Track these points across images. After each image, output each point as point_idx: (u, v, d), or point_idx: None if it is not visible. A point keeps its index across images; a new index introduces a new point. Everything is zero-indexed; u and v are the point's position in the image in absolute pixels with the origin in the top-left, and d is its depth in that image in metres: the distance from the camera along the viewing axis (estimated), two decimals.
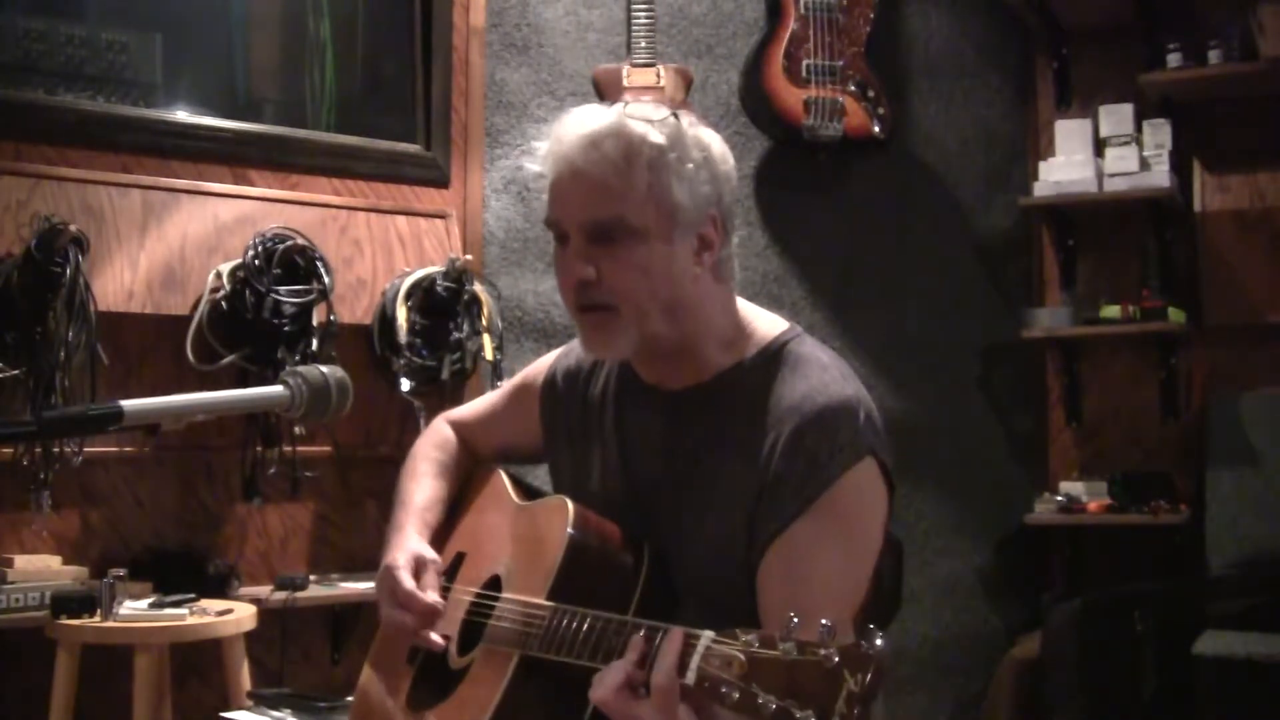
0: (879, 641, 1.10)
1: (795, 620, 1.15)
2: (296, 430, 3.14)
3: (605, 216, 1.49)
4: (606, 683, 1.30)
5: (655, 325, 1.53)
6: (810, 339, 1.62)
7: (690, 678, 1.20)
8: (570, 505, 1.56)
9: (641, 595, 1.49)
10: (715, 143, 1.57)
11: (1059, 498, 4.09)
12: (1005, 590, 4.18)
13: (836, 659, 1.10)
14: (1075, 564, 4.16)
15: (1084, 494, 4.08)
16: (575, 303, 1.55)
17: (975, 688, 3.98)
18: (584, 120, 1.53)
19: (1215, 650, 3.46)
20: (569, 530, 1.52)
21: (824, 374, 1.54)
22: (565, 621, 1.44)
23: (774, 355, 1.57)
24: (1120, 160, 4.04)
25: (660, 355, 1.59)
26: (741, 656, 1.15)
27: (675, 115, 1.53)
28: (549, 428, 1.77)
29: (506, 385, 1.90)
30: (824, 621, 1.12)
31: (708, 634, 1.21)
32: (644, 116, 1.51)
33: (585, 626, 1.41)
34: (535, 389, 1.80)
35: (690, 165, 1.51)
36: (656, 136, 1.50)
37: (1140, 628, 3.59)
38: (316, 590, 3.15)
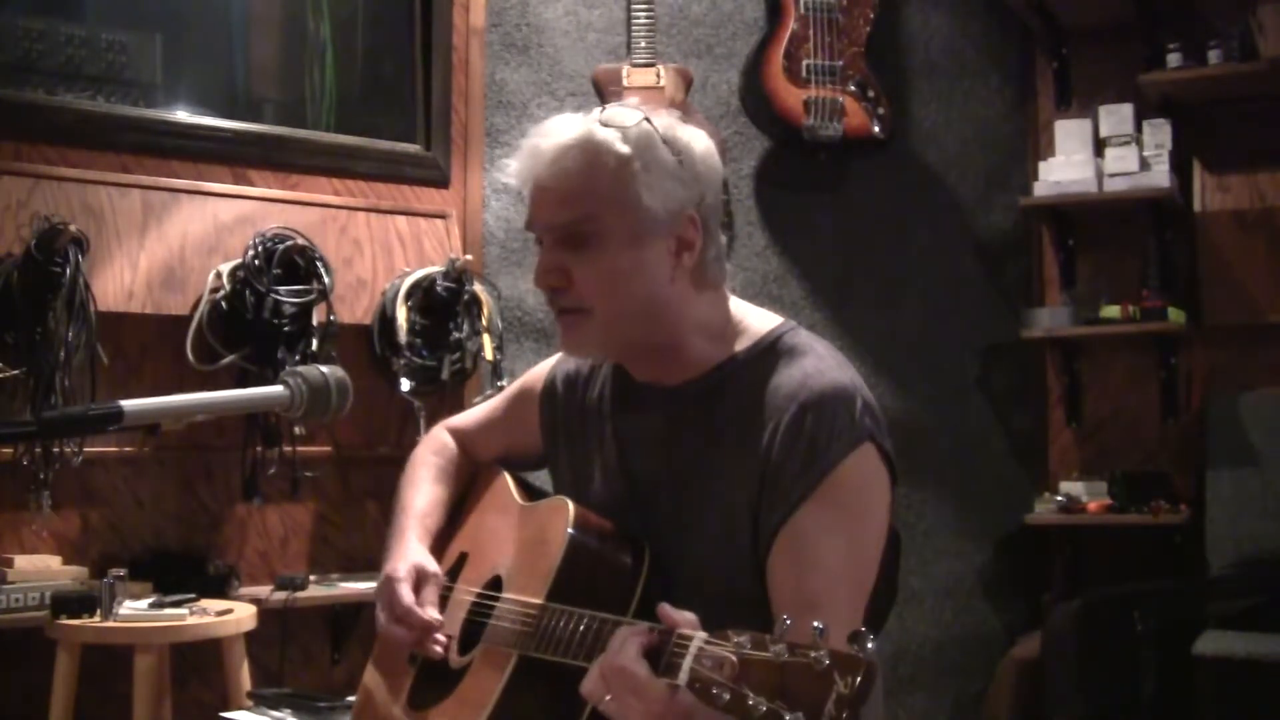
0: (870, 645, 1.11)
1: (788, 621, 1.15)
2: (296, 430, 3.14)
3: (570, 219, 1.51)
4: (592, 675, 1.31)
5: (629, 327, 1.54)
6: (805, 331, 1.62)
7: (683, 679, 1.20)
8: (570, 505, 1.57)
9: (642, 595, 1.49)
10: (697, 141, 1.57)
11: (1059, 498, 4.09)
12: (1005, 590, 4.18)
13: (827, 661, 1.10)
14: (1075, 564, 4.15)
15: (1084, 494, 4.08)
16: (550, 306, 1.58)
17: (975, 688, 3.98)
18: (551, 133, 1.54)
19: (1215, 650, 3.46)
20: (569, 530, 1.53)
21: (820, 362, 1.55)
22: (562, 621, 1.45)
23: (769, 347, 1.58)
24: (1120, 160, 4.04)
25: (645, 355, 1.60)
26: (733, 658, 1.15)
27: (649, 120, 1.53)
28: (549, 432, 1.77)
29: (505, 392, 1.90)
30: (816, 623, 1.12)
31: (700, 635, 1.21)
32: (615, 123, 1.52)
33: (581, 626, 1.42)
34: (534, 395, 1.80)
35: (658, 171, 1.51)
36: (622, 146, 1.50)
37: (1140, 628, 3.58)
38: (316, 590, 3.15)
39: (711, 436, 1.56)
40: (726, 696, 1.14)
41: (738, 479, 1.51)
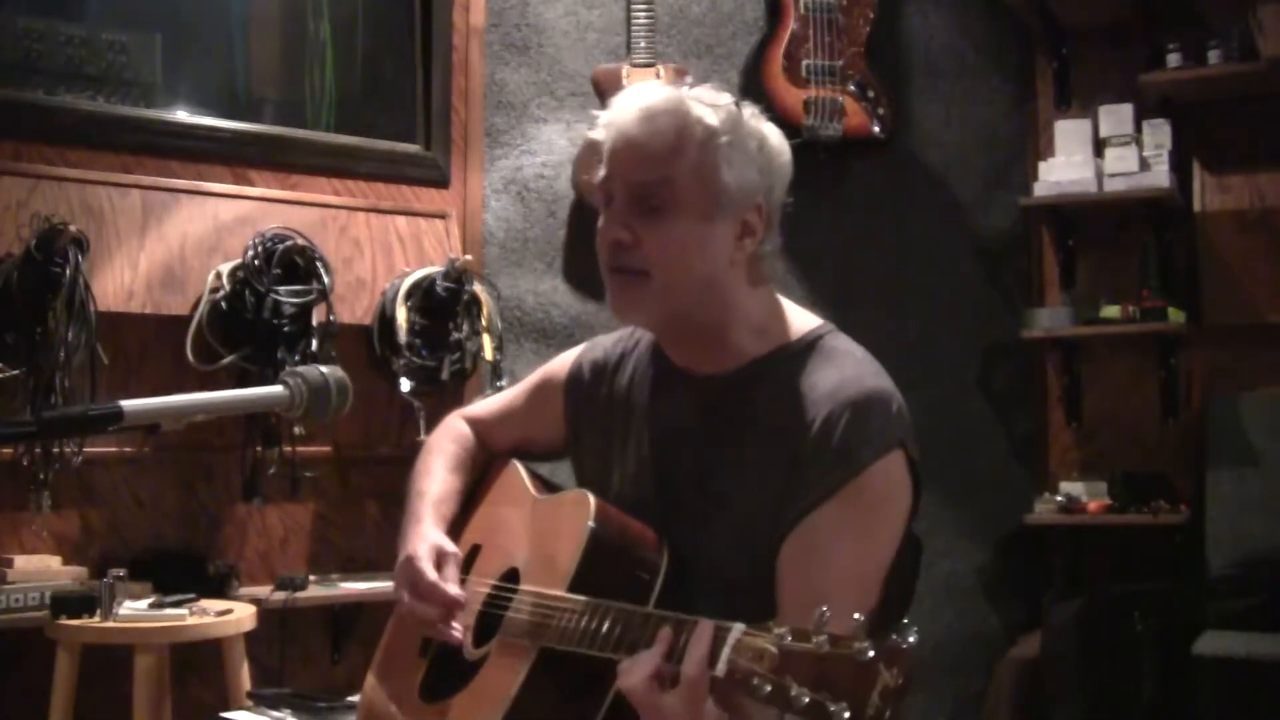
0: (912, 638, 1.10)
1: (827, 613, 1.14)
2: (296, 430, 3.14)
3: (651, 179, 1.53)
4: (637, 670, 1.30)
5: (683, 300, 1.55)
6: (844, 335, 1.64)
7: (721, 669, 1.19)
8: (592, 498, 1.56)
9: (661, 590, 1.49)
10: (773, 136, 1.62)
11: (1059, 498, 4.09)
12: (1005, 590, 4.18)
13: (871, 653, 1.08)
14: (1075, 564, 4.16)
15: (1084, 494, 4.08)
16: (608, 263, 1.57)
17: (975, 688, 3.98)
18: (645, 94, 1.57)
19: (1215, 650, 3.46)
20: (590, 524, 1.52)
21: (859, 366, 1.57)
22: (588, 613, 1.44)
23: (808, 346, 1.60)
24: (1120, 160, 4.05)
25: (690, 336, 1.61)
26: (773, 649, 1.14)
27: (737, 104, 1.58)
28: (574, 420, 1.77)
29: (525, 382, 1.89)
30: (857, 615, 1.12)
31: (739, 626, 1.20)
32: (704, 99, 1.56)
33: (609, 619, 1.41)
34: (558, 383, 1.80)
35: (741, 152, 1.55)
36: (711, 119, 1.54)
37: (1140, 628, 3.59)
38: (316, 590, 3.15)
39: (744, 428, 1.56)
40: (767, 688, 1.13)
41: (766, 472, 1.52)
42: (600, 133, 1.58)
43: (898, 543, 1.53)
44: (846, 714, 1.08)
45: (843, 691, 1.09)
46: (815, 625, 1.13)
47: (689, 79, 1.64)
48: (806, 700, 1.10)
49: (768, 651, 1.14)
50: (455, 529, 1.79)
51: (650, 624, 1.35)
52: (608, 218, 1.57)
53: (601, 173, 1.58)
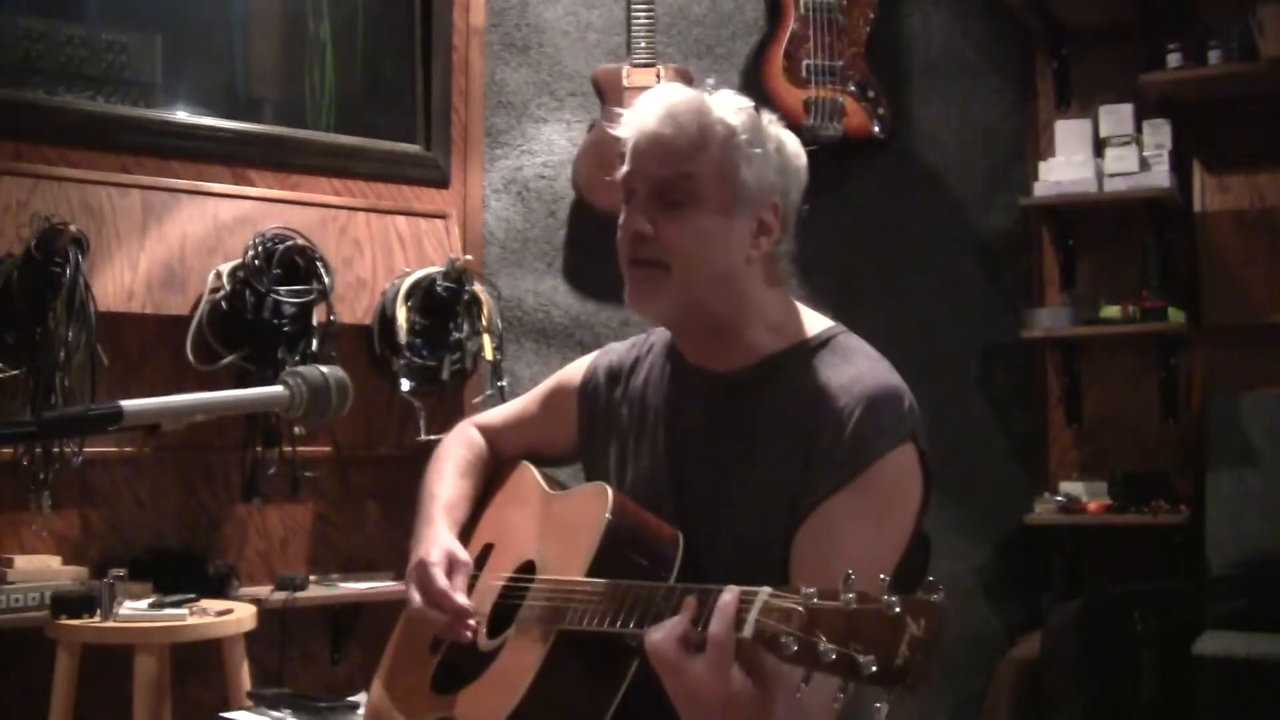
0: (938, 595, 1.10)
1: (853, 576, 1.14)
2: (296, 430, 3.14)
3: (673, 174, 1.56)
4: (666, 631, 1.29)
5: (701, 293, 1.58)
6: (856, 335, 1.67)
7: (748, 631, 1.20)
8: (609, 491, 1.57)
9: (677, 581, 1.49)
10: (790, 141, 1.66)
11: (1059, 498, 4.09)
12: (1005, 590, 4.17)
13: (898, 607, 1.09)
14: (1075, 564, 4.15)
15: (1084, 494, 4.08)
16: (628, 255, 1.60)
17: (975, 688, 3.98)
18: (668, 94, 1.61)
19: (1215, 650, 3.46)
20: (607, 515, 1.53)
21: (872, 363, 1.60)
22: (609, 593, 1.44)
23: (823, 344, 1.63)
24: (1120, 160, 4.05)
25: (706, 332, 1.63)
26: (801, 609, 1.15)
27: (756, 108, 1.62)
28: (587, 423, 1.79)
29: (537, 389, 1.92)
30: (882, 575, 1.13)
31: (765, 589, 1.21)
32: (725, 102, 1.61)
33: (631, 596, 1.42)
34: (572, 389, 1.82)
35: (760, 152, 1.59)
36: (733, 118, 1.58)
37: (1140, 628, 3.58)
38: (316, 590, 3.15)
39: (760, 424, 1.58)
40: (795, 646, 1.13)
41: (781, 467, 1.53)
42: (624, 130, 1.62)
43: (908, 534, 1.55)
44: (874, 666, 1.09)
45: (870, 644, 1.10)
46: (843, 586, 1.14)
47: (711, 81, 1.66)
48: (834, 656, 1.10)
49: (795, 611, 1.15)
50: (466, 532, 1.80)
51: (675, 596, 1.35)
52: (629, 212, 1.60)
53: (624, 169, 1.61)
